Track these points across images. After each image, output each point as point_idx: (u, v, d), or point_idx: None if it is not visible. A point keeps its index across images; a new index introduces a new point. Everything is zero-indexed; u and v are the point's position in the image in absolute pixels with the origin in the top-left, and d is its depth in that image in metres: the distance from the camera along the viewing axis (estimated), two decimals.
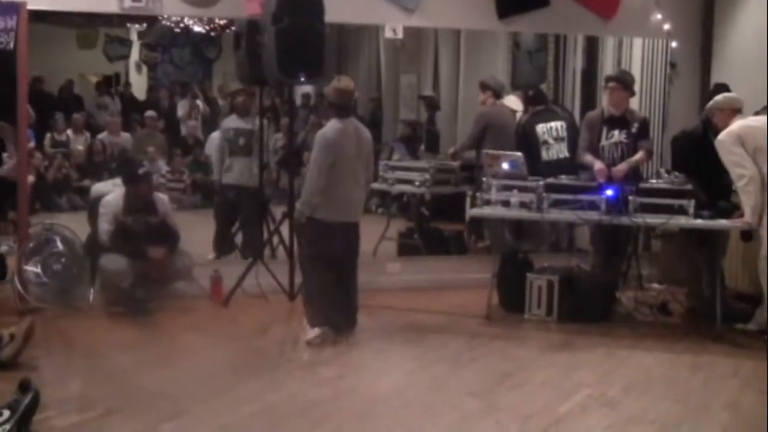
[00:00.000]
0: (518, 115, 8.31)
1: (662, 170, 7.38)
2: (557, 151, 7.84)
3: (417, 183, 8.35)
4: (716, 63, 8.51)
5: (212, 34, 14.57)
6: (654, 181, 7.07)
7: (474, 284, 7.35)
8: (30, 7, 6.84)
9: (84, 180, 11.55)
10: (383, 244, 8.63)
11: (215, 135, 9.61)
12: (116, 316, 6.87)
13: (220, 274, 7.39)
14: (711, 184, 6.62)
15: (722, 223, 6.45)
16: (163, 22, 13.49)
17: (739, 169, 6.21)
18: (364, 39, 12.62)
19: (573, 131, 7.83)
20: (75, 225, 7.44)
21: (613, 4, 8.20)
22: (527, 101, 8.23)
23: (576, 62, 9.44)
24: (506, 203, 6.84)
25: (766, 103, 6.65)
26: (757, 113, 6.70)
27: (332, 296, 6.31)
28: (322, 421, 4.66)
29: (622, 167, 6.96)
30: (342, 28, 10.15)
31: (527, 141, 7.80)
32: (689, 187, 6.55)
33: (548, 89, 9.33)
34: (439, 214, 9.09)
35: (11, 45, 6.73)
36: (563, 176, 7.04)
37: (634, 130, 7.10)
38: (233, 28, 8.42)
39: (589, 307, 6.89)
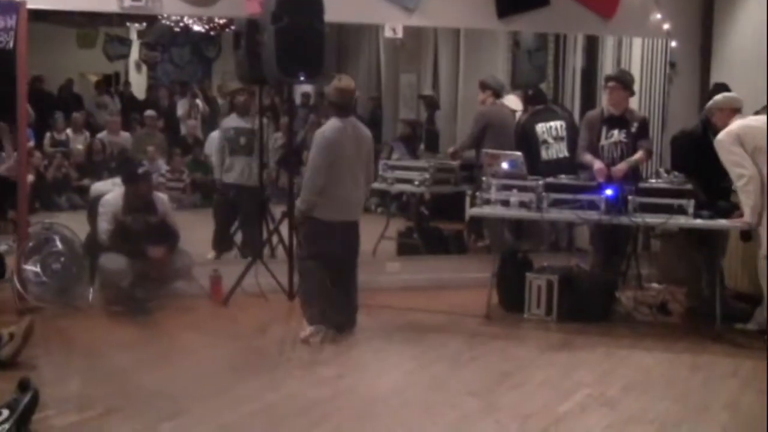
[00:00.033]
0: (518, 114, 8.31)
1: (662, 170, 7.37)
2: (557, 150, 7.85)
3: (416, 182, 8.35)
4: (716, 62, 8.51)
5: (212, 33, 14.56)
6: (653, 180, 7.06)
7: (473, 284, 7.35)
8: (30, 6, 6.84)
9: (83, 179, 11.54)
10: (383, 244, 8.63)
11: (215, 134, 9.61)
12: (116, 315, 6.87)
13: (220, 274, 7.39)
14: (710, 183, 6.62)
15: (722, 222, 6.45)
16: (163, 22, 13.48)
17: (739, 168, 6.21)
18: (363, 38, 12.62)
19: (572, 131, 7.83)
20: (74, 224, 7.44)
21: (612, 4, 8.20)
22: (527, 101, 8.23)
23: (576, 62, 9.44)
24: (506, 203, 6.85)
25: (766, 103, 6.65)
26: (756, 113, 6.70)
27: (330, 295, 6.31)
28: (321, 420, 4.66)
29: (621, 167, 6.96)
30: (342, 27, 10.15)
31: (527, 140, 7.80)
32: (689, 186, 6.55)
33: (548, 89, 9.34)
34: (439, 214, 9.10)
35: (11, 44, 6.73)
36: (563, 176, 7.04)
37: (633, 129, 7.10)
38: (233, 27, 8.42)
39: (588, 306, 6.89)
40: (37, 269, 6.89)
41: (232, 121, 8.70)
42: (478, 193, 7.15)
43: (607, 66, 8.98)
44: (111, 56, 15.34)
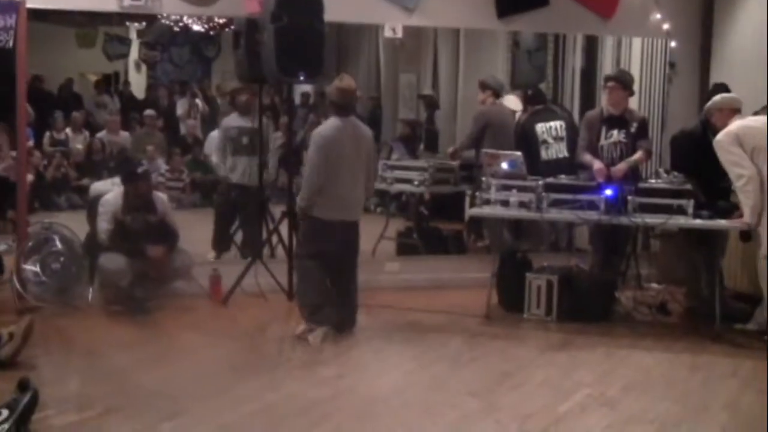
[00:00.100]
0: (517, 114, 8.31)
1: (661, 170, 7.38)
2: (556, 150, 7.84)
3: (416, 182, 8.35)
4: (715, 62, 8.51)
5: (211, 32, 14.56)
6: (653, 180, 7.06)
7: (473, 284, 7.35)
8: (29, 5, 6.83)
9: (83, 179, 11.54)
10: (382, 244, 8.62)
11: (214, 134, 9.59)
12: (115, 315, 6.87)
13: (219, 274, 7.39)
14: (710, 184, 6.62)
15: (721, 223, 6.45)
16: (163, 21, 13.49)
17: (738, 168, 6.21)
18: (363, 38, 12.63)
19: (572, 131, 7.83)
20: (74, 224, 7.43)
21: (612, 4, 8.20)
22: (526, 101, 8.23)
23: (575, 62, 9.44)
24: (505, 203, 6.84)
25: (765, 103, 6.65)
26: (756, 113, 6.70)
27: (328, 294, 6.33)
28: (321, 420, 4.66)
29: (621, 167, 6.96)
30: (341, 27, 10.15)
31: (526, 140, 7.80)
32: (688, 187, 6.55)
33: (547, 88, 9.34)
34: (438, 214, 9.09)
35: (10, 43, 6.73)
36: (562, 176, 7.04)
37: (633, 129, 7.10)
38: (232, 26, 8.42)
39: (588, 306, 6.89)
40: (37, 269, 6.89)
41: (233, 120, 8.67)
42: (477, 193, 7.16)
43: (606, 66, 8.98)
44: (110, 56, 15.34)
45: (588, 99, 9.15)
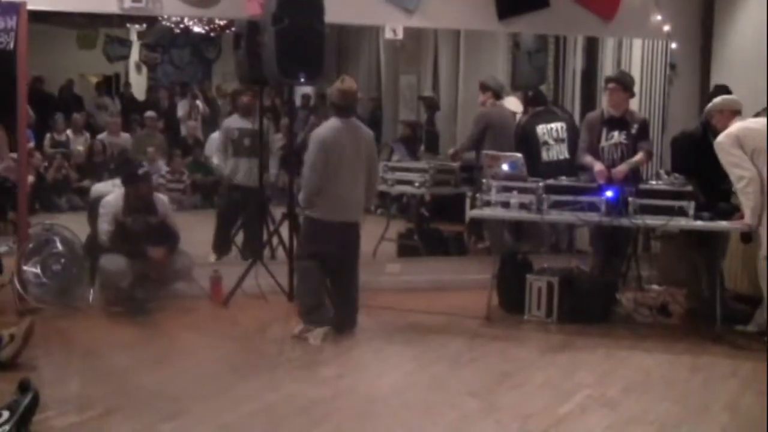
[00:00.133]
0: (518, 116, 8.32)
1: (662, 171, 7.37)
2: (557, 152, 7.85)
3: (417, 184, 8.35)
4: (716, 64, 8.51)
5: (212, 34, 14.59)
6: (654, 182, 7.06)
7: (474, 285, 7.35)
8: (30, 7, 6.84)
9: (84, 180, 11.57)
10: (383, 245, 8.63)
11: (215, 135, 9.60)
12: (116, 316, 6.87)
13: (220, 275, 7.39)
14: (711, 185, 6.62)
15: (722, 224, 6.45)
16: (163, 23, 13.51)
17: (738, 170, 6.21)
18: (364, 39, 12.64)
19: (573, 132, 7.84)
20: (75, 225, 7.44)
21: (612, 5, 8.20)
22: (527, 102, 8.23)
23: (576, 63, 9.45)
24: (506, 204, 6.84)
25: (766, 105, 6.66)
26: (756, 114, 6.70)
27: (325, 295, 6.36)
28: (321, 420, 4.66)
29: (621, 168, 6.96)
30: (342, 28, 10.16)
31: (527, 142, 7.80)
32: (689, 188, 6.55)
33: (548, 90, 9.34)
34: (439, 215, 9.09)
35: (11, 45, 6.73)
36: (563, 177, 7.04)
37: (633, 131, 7.11)
38: (233, 28, 8.42)
39: (588, 308, 6.89)
40: (38, 270, 6.89)
41: (234, 121, 8.67)
42: (478, 195, 7.15)
43: (607, 67, 8.99)
44: (111, 57, 15.38)
45: (588, 100, 9.15)
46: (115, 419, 4.62)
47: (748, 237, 6.63)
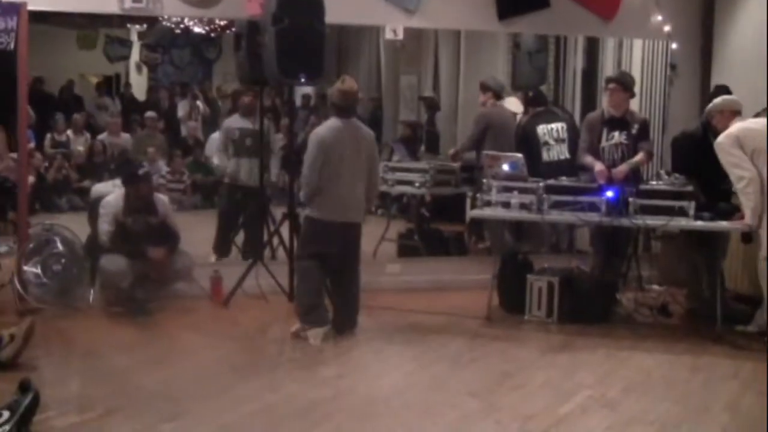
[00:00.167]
0: (518, 116, 8.31)
1: (662, 172, 7.37)
2: (558, 152, 7.85)
3: (417, 184, 8.34)
4: (716, 64, 8.51)
5: (212, 34, 14.59)
6: (654, 182, 7.06)
7: (474, 285, 7.35)
8: (30, 7, 6.84)
9: (84, 181, 11.56)
10: (383, 245, 8.62)
11: (215, 135, 9.59)
12: (116, 316, 6.87)
13: (220, 275, 7.39)
14: (711, 185, 6.62)
15: (722, 224, 6.45)
16: (164, 23, 13.51)
17: (739, 170, 6.21)
18: (364, 40, 12.63)
19: (573, 132, 7.84)
20: (75, 226, 7.44)
21: (613, 5, 8.20)
22: (527, 102, 8.23)
23: (576, 63, 9.44)
24: (506, 204, 6.84)
25: (766, 105, 6.65)
26: (757, 115, 6.70)
27: (323, 296, 6.38)
28: (321, 420, 4.66)
29: (622, 168, 6.96)
30: (342, 28, 10.15)
31: (528, 142, 7.80)
32: (689, 188, 6.54)
33: (548, 90, 9.33)
34: (439, 215, 9.10)
35: (11, 45, 6.74)
36: (563, 177, 7.04)
37: (634, 131, 7.11)
38: (233, 28, 8.42)
39: (589, 308, 6.89)
40: (38, 270, 6.89)
41: (235, 121, 8.66)
42: (478, 195, 7.15)
43: (607, 68, 8.98)
44: (111, 57, 15.37)
45: (589, 101, 9.15)
46: (115, 419, 4.62)
47: (748, 237, 6.63)
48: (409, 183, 8.42)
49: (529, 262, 7.34)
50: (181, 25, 13.69)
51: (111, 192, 7.27)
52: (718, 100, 6.71)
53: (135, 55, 15.65)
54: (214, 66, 15.89)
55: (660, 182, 6.96)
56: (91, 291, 7.09)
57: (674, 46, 8.48)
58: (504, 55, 9.67)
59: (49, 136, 12.27)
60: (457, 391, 5.20)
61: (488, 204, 6.91)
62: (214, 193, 11.32)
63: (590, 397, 5.12)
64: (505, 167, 6.96)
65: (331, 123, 6.31)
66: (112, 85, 15.76)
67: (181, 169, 12.00)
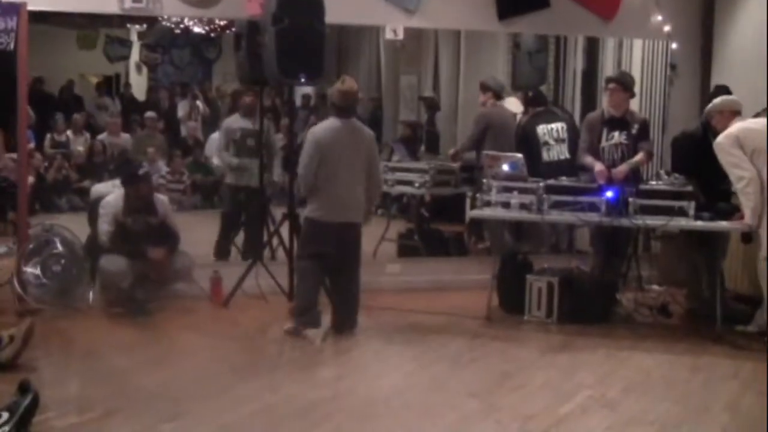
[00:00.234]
0: (518, 116, 8.31)
1: (662, 172, 7.37)
2: (558, 152, 7.84)
3: (417, 184, 8.34)
4: (716, 64, 8.51)
5: (212, 34, 14.60)
6: (654, 182, 7.06)
7: (474, 285, 7.35)
8: (30, 7, 6.84)
9: (84, 181, 11.56)
10: (383, 245, 8.63)
11: (215, 136, 9.58)
12: (116, 316, 6.86)
13: (220, 275, 7.39)
14: (711, 185, 6.62)
15: (722, 224, 6.45)
16: (163, 23, 13.51)
17: (738, 170, 6.21)
18: (364, 40, 12.63)
19: (573, 132, 7.83)
20: (75, 226, 7.44)
21: (613, 5, 8.20)
22: (527, 102, 8.23)
23: (576, 63, 9.44)
24: (506, 204, 6.84)
25: (766, 105, 6.65)
26: (756, 115, 6.70)
27: (318, 297, 6.41)
28: (321, 421, 4.66)
29: (622, 168, 6.96)
30: (342, 28, 10.16)
31: (527, 142, 7.80)
32: (689, 188, 6.54)
33: (548, 90, 9.33)
34: (439, 216, 9.09)
35: (11, 45, 6.73)
36: (563, 177, 7.04)
37: (634, 131, 7.10)
38: (233, 28, 8.42)
39: (589, 308, 6.88)
40: (38, 271, 6.89)
41: (236, 121, 8.64)
42: (478, 195, 7.15)
43: (607, 68, 8.99)
44: (111, 58, 15.37)
45: (589, 101, 9.15)
46: (115, 420, 4.62)
47: (748, 237, 6.63)
48: (409, 183, 8.42)
49: (528, 263, 7.34)
50: (181, 25, 13.69)
51: (111, 192, 7.27)
52: (717, 100, 6.71)
53: (135, 55, 15.66)
54: (214, 66, 15.89)
55: (660, 182, 6.96)
56: (91, 291, 7.08)
57: (674, 46, 8.47)
58: (504, 55, 9.67)
59: (48, 136, 12.27)
60: (457, 392, 5.20)
61: (488, 204, 6.91)
62: (214, 194, 11.34)
63: (590, 398, 5.12)
64: (505, 167, 6.96)
65: (330, 123, 6.33)
66: (112, 85, 15.76)
67: (181, 170, 12.00)
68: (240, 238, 8.52)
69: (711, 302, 6.56)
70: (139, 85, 15.63)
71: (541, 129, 7.88)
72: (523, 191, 6.79)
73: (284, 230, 7.35)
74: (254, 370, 5.57)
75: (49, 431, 4.45)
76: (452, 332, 6.58)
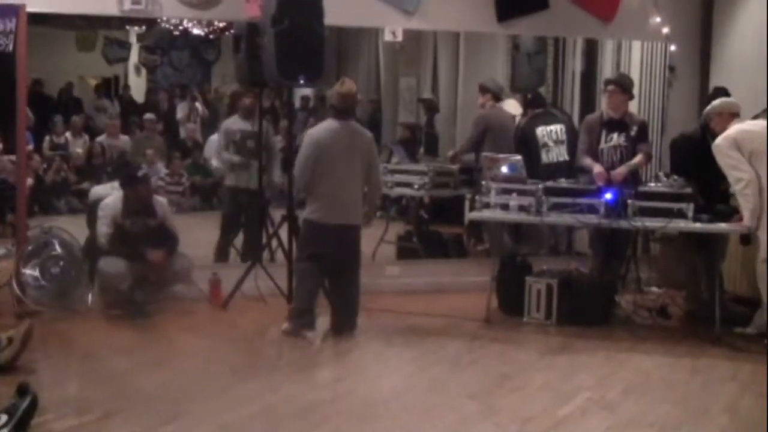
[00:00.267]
0: (517, 118, 8.31)
1: (661, 173, 7.38)
2: (557, 154, 7.85)
3: (416, 186, 8.34)
4: (715, 66, 8.52)
5: (211, 36, 14.55)
6: (653, 184, 7.06)
7: (473, 287, 7.35)
8: (29, 9, 6.84)
9: (83, 183, 11.53)
10: (382, 247, 8.62)
11: (214, 137, 9.56)
12: (115, 318, 6.86)
13: (219, 277, 7.39)
14: (710, 187, 6.62)
15: (721, 226, 6.46)
16: (162, 25, 13.48)
17: (737, 172, 6.22)
18: (363, 41, 12.61)
19: (572, 134, 7.84)
20: (73, 228, 7.43)
21: (612, 7, 8.21)
22: (526, 104, 8.24)
23: (575, 65, 9.44)
24: (505, 206, 6.85)
25: (765, 106, 6.65)
26: (755, 117, 6.70)
27: (316, 299, 6.43)
28: (320, 422, 4.66)
29: (621, 170, 6.96)
30: (341, 30, 10.13)
31: (527, 144, 7.80)
32: (688, 190, 6.55)
33: (547, 92, 9.32)
34: (438, 217, 9.07)
35: (10, 47, 6.74)
36: (562, 179, 7.04)
37: (633, 133, 7.11)
38: (232, 30, 8.41)
39: (588, 310, 6.88)
40: (36, 273, 6.88)
41: (235, 123, 8.63)
42: (477, 197, 7.15)
43: (606, 69, 8.98)
44: (110, 59, 15.33)
45: (588, 102, 9.14)
46: (114, 422, 4.61)
47: (747, 239, 6.63)
48: (408, 185, 8.42)
49: (528, 264, 7.34)
50: (180, 27, 13.65)
51: (110, 194, 7.27)
52: (716, 102, 6.71)
53: (134, 57, 15.62)
54: (213, 68, 15.85)
55: (659, 184, 6.96)
56: (90, 293, 7.07)
57: (673, 47, 8.48)
58: (503, 57, 9.66)
59: (47, 138, 12.23)
60: (456, 394, 5.19)
61: (487, 206, 6.92)
62: (213, 195, 11.32)
63: (589, 399, 5.12)
64: (504, 169, 6.96)
65: (327, 124, 6.34)
66: (110, 87, 15.72)
67: (180, 171, 11.97)
68: (239, 240, 8.51)
69: (710, 304, 6.57)
70: (138, 86, 15.59)
71: (540, 131, 7.88)
72: (522, 193, 6.80)
73: (283, 232, 7.35)
74: (253, 372, 5.57)
75: None
76: (451, 334, 6.58)
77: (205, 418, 4.68)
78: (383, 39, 8.47)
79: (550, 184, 6.85)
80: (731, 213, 6.46)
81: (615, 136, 7.14)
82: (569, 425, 4.72)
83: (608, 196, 6.59)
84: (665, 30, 8.32)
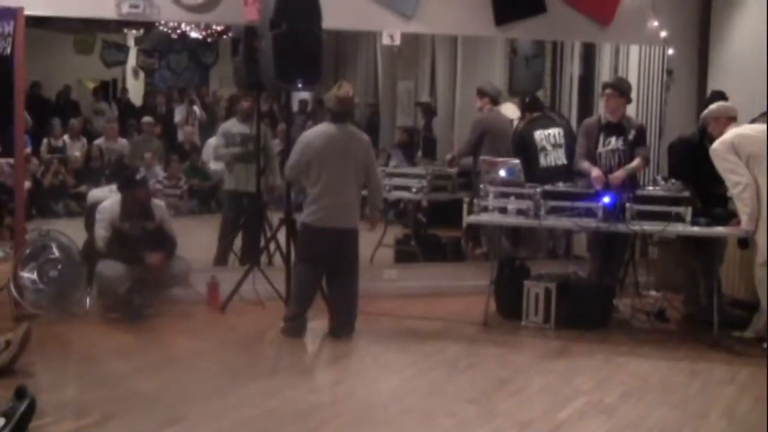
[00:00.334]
0: (515, 122, 8.32)
1: (659, 177, 7.38)
2: (555, 157, 7.85)
3: (414, 189, 8.35)
4: (713, 69, 8.52)
5: (209, 39, 14.55)
6: (651, 188, 7.07)
7: (471, 291, 7.36)
8: (27, 12, 6.84)
9: (81, 186, 11.51)
10: (380, 251, 8.62)
11: (212, 141, 9.56)
12: (113, 321, 6.86)
13: (217, 280, 7.39)
14: (707, 191, 6.63)
15: (719, 230, 6.46)
16: (160, 28, 13.48)
17: (734, 176, 6.23)
18: (361, 45, 12.62)
19: (570, 138, 7.84)
20: (71, 231, 7.42)
21: (610, 11, 8.22)
22: (524, 108, 8.24)
23: (573, 69, 9.45)
24: (503, 210, 6.85)
25: (765, 110, 6.67)
26: (753, 120, 6.72)
27: (309, 305, 6.46)
28: (319, 426, 4.66)
29: (619, 174, 6.97)
30: (339, 34, 10.15)
31: (524, 147, 7.81)
32: (686, 194, 6.56)
33: (545, 96, 9.33)
34: (436, 221, 9.09)
35: (8, 50, 6.73)
36: (560, 183, 7.05)
37: (631, 137, 7.12)
38: (230, 33, 8.41)
39: (586, 313, 6.89)
40: (34, 276, 6.87)
41: (234, 126, 8.62)
42: (475, 201, 7.16)
43: (604, 73, 8.99)
44: (108, 63, 15.31)
45: (586, 106, 9.15)
46: (112, 425, 4.61)
47: (745, 243, 6.65)
48: (406, 188, 8.43)
49: (526, 268, 7.34)
50: (178, 30, 13.65)
51: (108, 197, 7.27)
52: (713, 106, 6.72)
53: (132, 60, 15.61)
54: (210, 71, 15.83)
55: (657, 188, 6.96)
56: (88, 297, 7.07)
57: (671, 51, 8.50)
58: (501, 61, 9.67)
59: (45, 141, 12.23)
60: (455, 397, 5.19)
61: (485, 209, 6.93)
62: (211, 198, 11.32)
63: (588, 403, 5.12)
64: (502, 173, 6.97)
65: (323, 127, 6.36)
66: (108, 91, 15.72)
67: (178, 174, 11.96)
68: (237, 243, 8.49)
69: (708, 308, 6.58)
70: (135, 90, 15.58)
71: (538, 134, 7.89)
72: (520, 197, 6.81)
73: (281, 235, 7.35)
74: (252, 375, 5.57)
75: None
76: (450, 338, 6.58)
77: (204, 422, 4.68)
78: (381, 42, 8.49)
79: (548, 187, 6.85)
80: (729, 216, 6.47)
81: (613, 139, 7.14)
82: (568, 429, 4.72)
83: (606, 199, 6.60)
84: (663, 34, 8.33)
